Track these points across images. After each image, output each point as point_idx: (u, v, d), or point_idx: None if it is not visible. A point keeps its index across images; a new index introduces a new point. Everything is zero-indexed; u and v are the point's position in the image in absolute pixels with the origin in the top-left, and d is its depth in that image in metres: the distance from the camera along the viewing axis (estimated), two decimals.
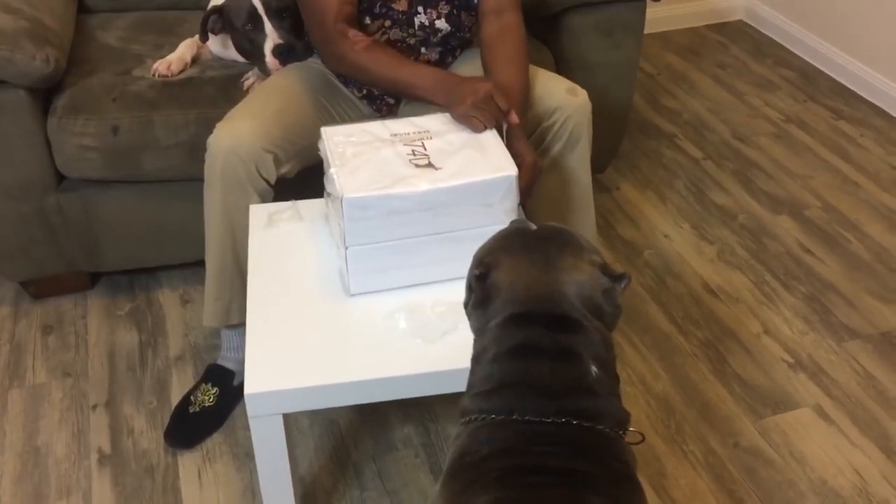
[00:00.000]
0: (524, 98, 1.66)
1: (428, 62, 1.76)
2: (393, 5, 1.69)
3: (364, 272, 1.40)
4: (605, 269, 1.06)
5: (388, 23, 1.70)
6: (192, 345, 2.00)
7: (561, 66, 2.13)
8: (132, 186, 1.95)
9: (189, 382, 1.89)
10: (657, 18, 3.25)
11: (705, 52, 3.24)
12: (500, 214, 1.41)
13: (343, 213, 1.32)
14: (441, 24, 1.73)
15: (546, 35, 2.15)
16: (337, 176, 1.35)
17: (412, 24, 1.71)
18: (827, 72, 3.08)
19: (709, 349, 2.00)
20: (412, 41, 1.73)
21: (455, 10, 1.74)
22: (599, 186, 2.50)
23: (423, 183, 1.35)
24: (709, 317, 2.08)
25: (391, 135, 1.45)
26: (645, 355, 1.98)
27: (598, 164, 2.38)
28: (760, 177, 2.56)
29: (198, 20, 1.95)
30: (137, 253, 2.06)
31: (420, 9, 1.70)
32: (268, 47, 1.84)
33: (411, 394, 1.36)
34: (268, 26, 1.83)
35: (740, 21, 3.44)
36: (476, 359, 1.08)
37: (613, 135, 2.35)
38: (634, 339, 2.02)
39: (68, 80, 1.90)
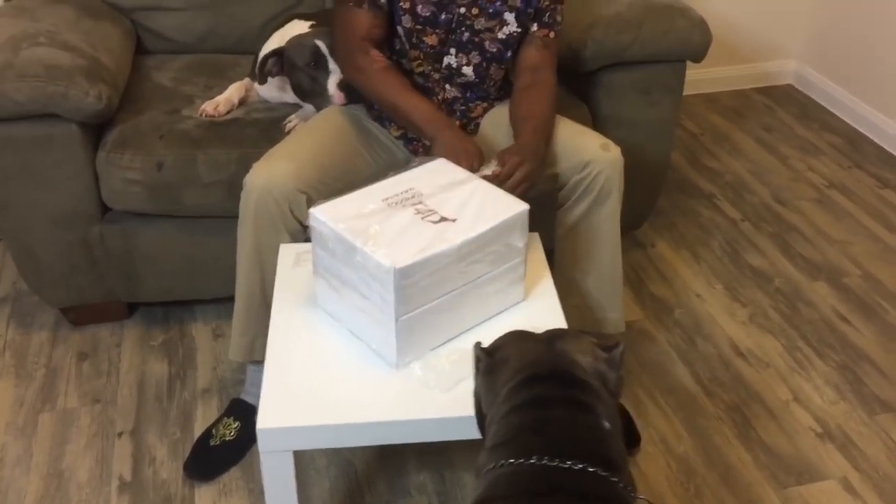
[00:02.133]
0: (544, 131, 1.76)
1: (455, 99, 1.84)
2: (424, 38, 1.75)
3: (411, 340, 1.38)
4: (600, 344, 1.14)
5: (420, 55, 1.78)
6: (219, 378, 2.03)
7: (598, 123, 2.15)
8: (172, 220, 2.01)
9: (213, 415, 1.92)
10: (704, 79, 3.26)
11: (751, 114, 3.24)
12: (517, 251, 1.45)
13: (393, 283, 1.31)
14: (468, 70, 1.80)
15: (584, 92, 2.18)
16: (373, 252, 1.33)
17: (440, 61, 1.78)
18: (875, 139, 3.05)
19: (734, 413, 1.96)
20: (437, 76, 1.81)
21: (485, 63, 1.80)
22: (634, 242, 2.49)
23: (453, 236, 1.36)
24: (736, 380, 2.05)
25: (382, 200, 1.45)
26: (668, 415, 1.95)
27: (634, 220, 2.38)
28: (799, 241, 2.53)
29: (248, 64, 2.01)
30: (174, 285, 2.11)
31: (452, 50, 1.78)
32: (332, 82, 1.91)
33: (422, 438, 1.36)
34: (332, 64, 1.90)
35: (789, 85, 3.43)
36: (490, 422, 1.10)
37: (650, 192, 2.35)
38: (659, 398, 1.99)
39: (120, 117, 1.98)
